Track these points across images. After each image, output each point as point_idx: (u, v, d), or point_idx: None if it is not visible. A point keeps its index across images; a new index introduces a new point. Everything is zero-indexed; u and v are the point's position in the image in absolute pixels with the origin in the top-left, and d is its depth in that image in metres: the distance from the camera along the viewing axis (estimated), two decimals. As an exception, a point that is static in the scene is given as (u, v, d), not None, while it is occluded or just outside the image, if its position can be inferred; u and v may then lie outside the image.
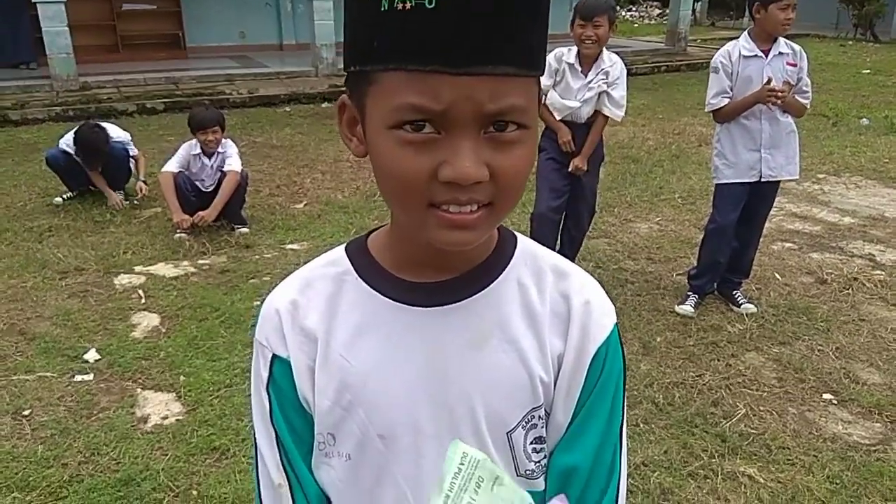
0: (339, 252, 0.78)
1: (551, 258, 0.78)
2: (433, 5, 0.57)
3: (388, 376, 0.72)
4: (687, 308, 3.56)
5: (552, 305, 0.74)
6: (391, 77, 0.60)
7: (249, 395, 2.71)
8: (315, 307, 0.74)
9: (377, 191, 5.38)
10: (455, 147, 0.60)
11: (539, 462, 0.75)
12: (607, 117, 3.51)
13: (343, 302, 0.74)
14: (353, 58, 0.64)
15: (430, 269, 0.72)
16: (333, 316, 0.74)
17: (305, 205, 5.18)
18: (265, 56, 10.61)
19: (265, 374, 0.75)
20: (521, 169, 0.64)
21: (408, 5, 0.57)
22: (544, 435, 0.75)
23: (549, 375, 0.74)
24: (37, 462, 2.50)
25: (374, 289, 0.73)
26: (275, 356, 0.75)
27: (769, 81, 3.21)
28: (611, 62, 3.48)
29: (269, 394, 0.75)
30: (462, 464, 0.68)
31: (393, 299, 0.72)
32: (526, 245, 0.78)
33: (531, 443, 0.74)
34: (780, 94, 3.20)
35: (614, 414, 0.75)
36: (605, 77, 3.45)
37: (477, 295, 0.72)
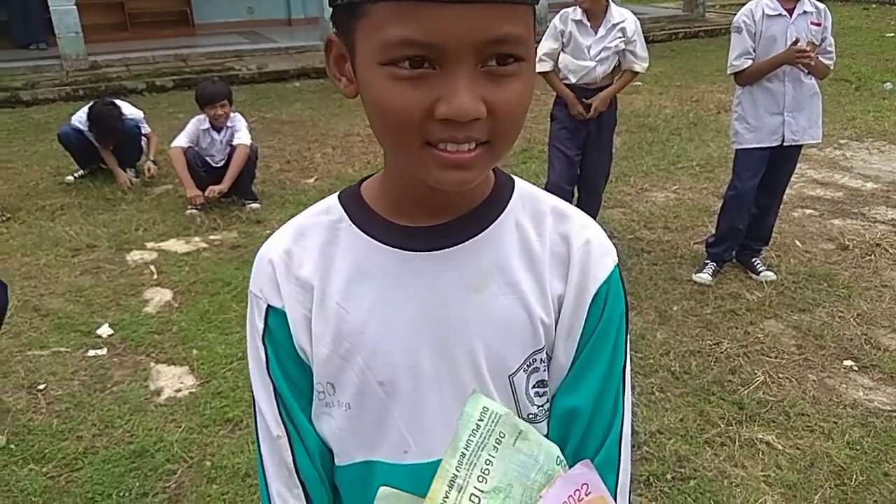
0: (332, 200, 0.76)
1: (550, 200, 0.76)
2: None
3: (386, 322, 0.71)
4: (704, 276, 3.49)
5: (551, 246, 0.72)
6: (381, 8, 0.57)
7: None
8: (309, 256, 0.73)
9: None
10: (451, 82, 0.57)
11: (542, 406, 0.74)
12: (635, 72, 3.45)
13: (338, 250, 0.72)
14: None
15: (426, 213, 0.70)
16: (329, 264, 0.72)
17: (316, 180, 5.14)
18: (274, 31, 10.50)
19: (260, 326, 0.74)
20: (519, 104, 0.61)
21: None
22: (546, 378, 0.74)
23: (550, 317, 0.72)
24: (52, 435, 2.53)
25: (369, 235, 0.71)
26: (269, 307, 0.73)
27: (796, 42, 3.09)
28: (621, 17, 3.39)
29: (264, 345, 0.74)
30: (481, 420, 0.64)
31: (388, 244, 0.71)
32: (524, 187, 0.76)
33: (533, 386, 0.73)
34: (808, 54, 3.08)
35: (616, 355, 0.73)
36: (621, 35, 3.36)
37: (475, 238, 0.71)
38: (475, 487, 0.62)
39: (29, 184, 5.04)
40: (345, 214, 0.73)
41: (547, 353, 0.73)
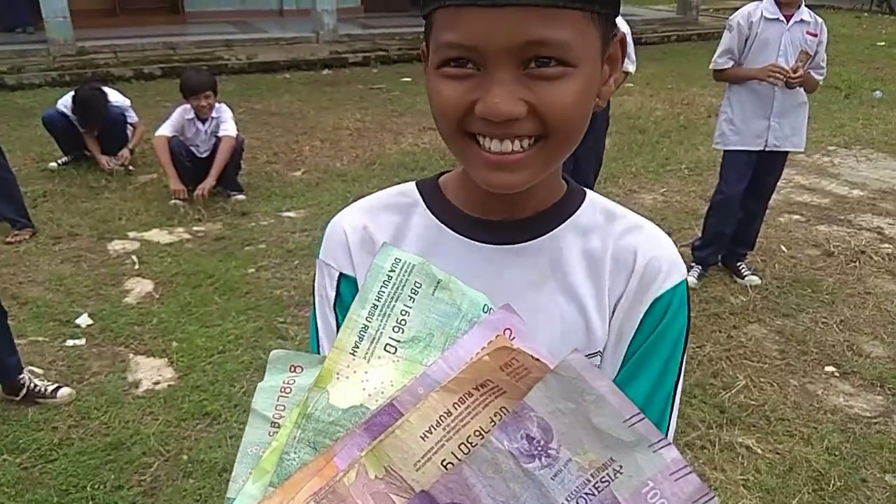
0: (409, 185, 0.79)
1: (625, 213, 0.76)
2: None
3: None
4: (689, 279, 3.49)
5: (616, 254, 0.73)
6: (437, 16, 0.62)
7: (243, 361, 2.64)
8: (384, 232, 0.75)
9: (376, 158, 5.37)
10: (488, 83, 0.60)
11: None
12: (626, 73, 3.45)
13: (410, 232, 0.75)
14: (420, 4, 0.66)
15: (496, 208, 0.72)
16: (400, 242, 0.74)
17: (303, 172, 5.10)
18: (265, 22, 10.42)
19: (332, 294, 0.75)
20: (567, 104, 0.61)
21: None
22: None
23: (606, 324, 0.72)
24: (27, 425, 2.49)
25: (441, 221, 0.74)
26: (342, 275, 0.75)
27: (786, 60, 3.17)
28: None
29: (335, 313, 0.75)
30: (392, 270, 0.62)
31: (458, 233, 0.73)
32: (598, 199, 0.77)
33: None
34: (783, 74, 3.11)
35: (667, 373, 0.71)
36: None
37: (540, 237, 0.72)
38: (390, 338, 0.60)
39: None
40: (420, 199, 0.76)
41: (601, 359, 0.73)
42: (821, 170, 5.30)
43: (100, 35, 8.67)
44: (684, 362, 0.74)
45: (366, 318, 0.60)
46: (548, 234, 0.72)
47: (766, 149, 3.31)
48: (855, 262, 3.79)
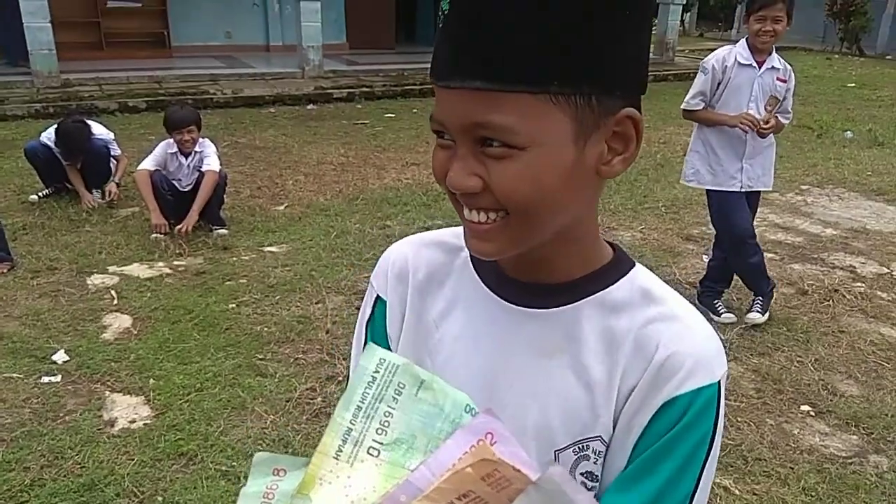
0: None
1: (664, 295, 0.71)
2: (441, 25, 0.63)
3: (457, 356, 0.75)
4: (755, 315, 3.50)
5: (639, 340, 0.69)
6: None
7: (220, 399, 2.63)
8: (423, 267, 0.79)
9: (359, 193, 5.40)
10: (454, 156, 0.64)
11: None
12: None
13: (450, 273, 0.78)
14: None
15: (525, 270, 0.73)
16: (438, 281, 0.78)
17: (286, 207, 5.12)
18: (251, 57, 10.53)
19: (368, 311, 0.82)
20: (513, 184, 0.62)
21: (441, 26, 0.64)
22: (597, 473, 0.70)
23: (610, 410, 0.69)
24: (-3, 466, 2.43)
25: (477, 270, 0.76)
26: (378, 297, 0.81)
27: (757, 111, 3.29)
28: None
29: (366, 329, 0.82)
30: (377, 371, 0.61)
31: (487, 286, 0.75)
32: (641, 277, 0.73)
33: (581, 474, 0.70)
34: (755, 124, 3.23)
35: (681, 479, 0.66)
36: None
37: (561, 307, 0.71)
38: (373, 440, 0.59)
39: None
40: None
41: (604, 445, 0.70)
42: (794, 208, 5.42)
43: (85, 68, 8.71)
44: (708, 472, 0.68)
45: (349, 421, 0.60)
46: (570, 305, 0.70)
47: (742, 189, 3.40)
48: (828, 300, 3.87)
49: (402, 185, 5.63)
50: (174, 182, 4.52)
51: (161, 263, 4.10)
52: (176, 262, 4.12)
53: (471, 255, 0.76)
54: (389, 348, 0.80)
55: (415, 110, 8.59)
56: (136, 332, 3.34)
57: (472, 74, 0.60)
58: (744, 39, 3.38)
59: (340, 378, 3.01)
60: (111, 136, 5.02)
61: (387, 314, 0.80)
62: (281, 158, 6.30)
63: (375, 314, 0.81)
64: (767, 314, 3.54)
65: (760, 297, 3.56)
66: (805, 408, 2.91)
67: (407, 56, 11.29)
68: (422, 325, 0.78)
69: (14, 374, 2.97)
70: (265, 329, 3.41)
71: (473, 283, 0.76)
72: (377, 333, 0.81)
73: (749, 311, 3.55)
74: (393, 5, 11.71)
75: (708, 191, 3.51)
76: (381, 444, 0.59)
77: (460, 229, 0.78)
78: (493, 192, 0.63)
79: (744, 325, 3.53)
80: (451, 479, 0.55)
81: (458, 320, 0.76)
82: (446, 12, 0.62)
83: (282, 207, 5.10)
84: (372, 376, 0.61)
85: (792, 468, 2.53)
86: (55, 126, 4.79)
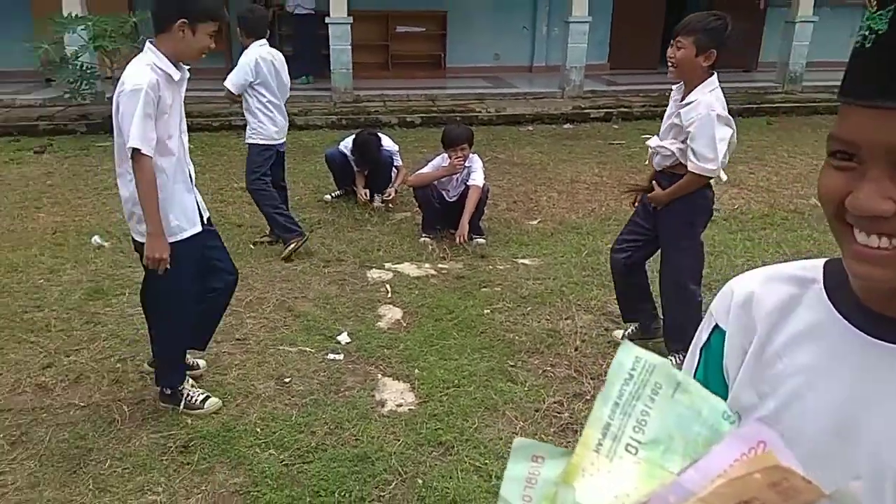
0: (818, 262, 0.79)
1: None
2: (869, 45, 0.62)
3: (804, 392, 0.72)
4: None
5: None
6: (839, 109, 0.66)
7: (475, 398, 2.76)
8: (769, 302, 0.77)
9: (612, 214, 5.35)
10: (863, 178, 0.63)
11: None
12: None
13: (799, 307, 0.75)
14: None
15: (894, 305, 0.69)
16: (784, 316, 0.76)
17: (539, 222, 5.26)
18: (515, 77, 11.01)
19: (704, 337, 0.83)
20: None
21: (859, 44, 0.63)
22: None
23: None
24: (291, 426, 2.84)
25: (833, 303, 0.73)
26: (717, 325, 0.81)
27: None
28: None
29: (700, 354, 0.83)
30: (634, 369, 0.61)
31: (846, 319, 0.71)
32: None
33: None
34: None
35: None
36: None
37: None
38: (631, 437, 0.60)
39: (294, 198, 5.77)
40: (821, 277, 0.76)
41: None
42: None
43: (373, 86, 9.86)
44: None
45: (608, 416, 0.61)
46: None
47: None
48: None
49: (659, 210, 5.45)
50: (442, 192, 4.91)
51: (427, 265, 4.48)
52: (440, 265, 4.47)
53: (826, 289, 0.73)
54: (723, 379, 0.79)
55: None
56: (405, 325, 3.69)
57: None
58: None
59: (588, 397, 3.01)
60: (396, 148, 5.63)
61: (724, 344, 0.79)
62: (536, 175, 6.49)
63: (712, 341, 0.81)
64: None
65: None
66: None
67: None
68: (764, 357, 0.76)
69: (307, 348, 3.46)
70: (516, 337, 3.54)
71: (830, 317, 0.72)
72: (712, 360, 0.81)
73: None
74: (661, 27, 11.40)
75: None
76: (639, 442, 0.60)
77: (804, 262, 0.78)
78: None
79: None
80: (731, 484, 0.54)
81: (808, 352, 0.72)
82: (873, 30, 0.61)
83: (535, 222, 5.26)
84: (629, 373, 0.62)
85: None
86: (353, 136, 5.51)
